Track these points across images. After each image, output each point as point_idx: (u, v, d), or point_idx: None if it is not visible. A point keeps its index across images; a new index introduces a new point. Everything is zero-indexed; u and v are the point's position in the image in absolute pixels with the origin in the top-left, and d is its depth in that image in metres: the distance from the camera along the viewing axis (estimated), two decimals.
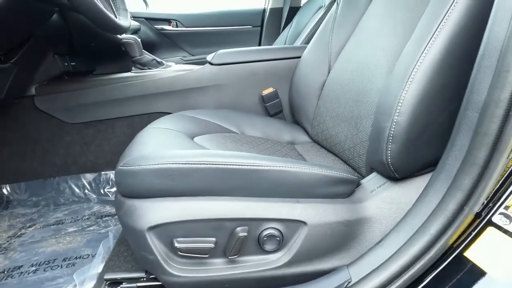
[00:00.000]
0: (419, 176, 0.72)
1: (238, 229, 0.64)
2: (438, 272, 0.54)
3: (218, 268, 0.67)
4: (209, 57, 1.31)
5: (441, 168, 0.58)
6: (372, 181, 0.75)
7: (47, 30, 1.16)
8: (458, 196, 0.52)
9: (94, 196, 1.41)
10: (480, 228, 0.52)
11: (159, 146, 0.76)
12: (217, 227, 0.64)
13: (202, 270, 0.67)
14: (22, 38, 1.06)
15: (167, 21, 2.58)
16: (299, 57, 1.21)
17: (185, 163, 0.62)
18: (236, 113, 1.15)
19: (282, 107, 1.31)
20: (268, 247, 0.66)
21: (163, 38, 2.56)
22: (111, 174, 1.41)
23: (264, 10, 2.67)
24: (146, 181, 0.64)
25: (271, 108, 1.30)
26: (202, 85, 1.30)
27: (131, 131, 1.34)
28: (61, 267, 1.02)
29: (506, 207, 0.51)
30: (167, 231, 0.64)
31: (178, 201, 0.64)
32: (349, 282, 0.61)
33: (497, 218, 0.51)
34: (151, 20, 2.53)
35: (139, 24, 2.37)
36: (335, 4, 1.14)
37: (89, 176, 1.41)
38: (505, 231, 0.50)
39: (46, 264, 1.04)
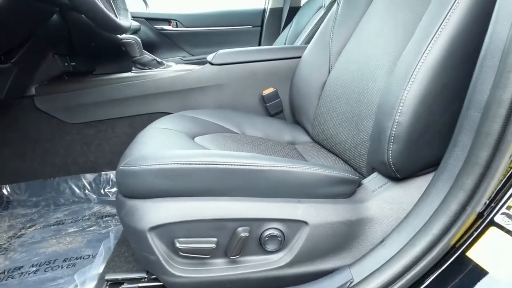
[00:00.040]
0: (421, 176, 0.72)
1: (240, 229, 0.64)
2: (440, 272, 0.54)
3: (219, 269, 0.67)
4: (209, 57, 1.31)
5: (443, 168, 0.58)
6: (373, 181, 0.75)
7: (47, 30, 1.16)
8: (460, 196, 0.52)
9: (94, 197, 1.41)
10: (483, 228, 0.52)
11: (160, 146, 0.76)
12: (219, 227, 0.64)
13: (204, 270, 0.67)
14: (22, 38, 1.06)
15: (167, 21, 2.58)
16: (300, 57, 1.20)
17: (186, 163, 0.62)
18: (237, 113, 1.15)
19: (283, 107, 1.31)
20: (269, 247, 0.66)
21: (163, 38, 2.56)
22: (111, 174, 1.41)
23: (264, 10, 2.67)
24: (147, 181, 0.63)
25: (272, 108, 1.30)
26: (202, 85, 1.30)
27: (131, 131, 1.34)
28: (62, 267, 1.02)
29: (509, 207, 0.51)
30: (169, 231, 0.64)
31: (180, 201, 0.64)
32: (351, 283, 0.61)
33: (499, 218, 0.51)
34: (151, 20, 2.53)
35: (139, 24, 2.37)
36: (336, 4, 1.14)
37: (89, 176, 1.41)
38: (508, 231, 0.50)
39: (46, 264, 1.04)
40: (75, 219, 1.28)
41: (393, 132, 0.64)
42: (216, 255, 0.67)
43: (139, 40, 1.41)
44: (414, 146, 0.65)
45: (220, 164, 0.62)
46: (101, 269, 0.95)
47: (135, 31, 2.28)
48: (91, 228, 1.22)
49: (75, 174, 1.40)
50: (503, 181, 0.50)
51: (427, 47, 0.61)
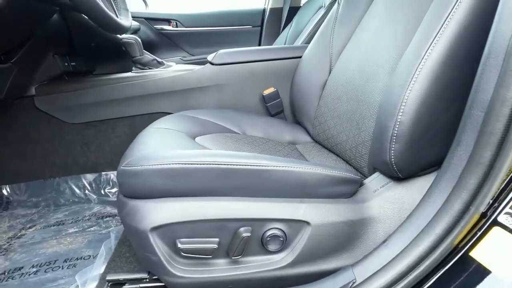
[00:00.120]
0: (422, 175, 0.72)
1: (242, 229, 0.64)
2: (443, 272, 0.54)
3: (221, 269, 0.67)
4: (209, 57, 1.31)
5: (446, 167, 0.58)
6: (375, 181, 0.75)
7: (47, 30, 1.15)
8: (464, 196, 0.51)
9: (95, 197, 1.40)
10: (486, 228, 0.51)
11: (161, 146, 0.76)
12: (220, 228, 0.64)
13: (205, 270, 0.67)
14: (22, 38, 1.05)
15: (167, 21, 2.57)
16: (300, 57, 1.20)
17: (188, 163, 0.62)
18: (237, 113, 1.15)
19: (283, 107, 1.31)
20: (271, 247, 0.66)
21: (163, 38, 2.55)
22: (112, 175, 1.40)
23: (264, 10, 2.67)
24: (149, 182, 0.63)
25: (272, 108, 1.29)
26: (203, 85, 1.29)
27: (131, 131, 1.34)
28: (62, 268, 1.01)
29: None
30: (170, 231, 0.64)
31: (181, 201, 0.64)
32: (353, 283, 0.61)
33: (503, 218, 0.51)
34: (150, 20, 2.53)
35: (139, 24, 2.37)
36: (336, 3, 1.14)
37: (90, 177, 1.40)
38: (511, 231, 0.50)
39: (47, 265, 1.03)
40: (75, 220, 1.28)
41: (395, 132, 0.64)
42: (218, 255, 0.67)
43: (139, 40, 1.41)
44: (416, 145, 0.65)
45: (221, 164, 0.62)
46: (102, 269, 0.94)
47: (135, 31, 2.28)
48: (92, 229, 1.21)
49: (75, 174, 1.39)
50: (506, 181, 0.50)
51: (429, 46, 0.61)
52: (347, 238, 0.68)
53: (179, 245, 0.63)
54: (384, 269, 0.58)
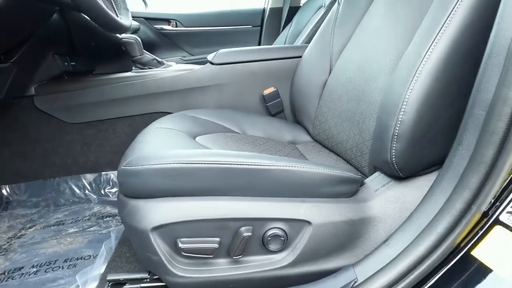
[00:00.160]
0: (423, 175, 0.72)
1: (242, 229, 0.64)
2: (445, 272, 0.54)
3: (222, 269, 0.67)
4: (210, 57, 1.31)
5: (447, 167, 0.58)
6: (376, 180, 0.75)
7: (47, 30, 1.15)
8: (466, 195, 0.51)
9: (95, 197, 1.40)
10: (488, 227, 0.51)
11: (162, 145, 0.76)
12: (221, 227, 0.64)
13: (206, 270, 0.66)
14: (22, 37, 1.05)
15: (167, 21, 2.57)
16: (300, 56, 1.20)
17: (189, 163, 0.62)
18: (237, 113, 1.15)
19: (283, 107, 1.31)
20: (272, 247, 0.66)
21: (163, 38, 2.55)
22: (112, 175, 1.40)
23: (263, 10, 2.67)
24: (150, 181, 0.63)
25: (272, 108, 1.29)
26: (203, 85, 1.29)
27: (132, 131, 1.34)
28: (62, 268, 1.01)
29: None
30: (171, 231, 0.64)
31: (182, 201, 0.64)
32: (355, 282, 0.61)
33: (504, 217, 0.51)
34: (150, 20, 2.53)
35: (138, 24, 2.36)
36: (336, 3, 1.14)
37: (90, 177, 1.40)
38: None
39: (47, 265, 1.03)
40: (75, 220, 1.28)
41: (396, 131, 0.64)
42: (219, 255, 0.66)
43: (139, 39, 1.41)
44: (417, 145, 0.64)
45: (223, 164, 0.62)
46: (102, 269, 0.94)
47: (135, 31, 2.28)
48: (92, 229, 1.21)
49: (75, 174, 1.39)
50: (508, 180, 0.50)
51: (430, 46, 0.61)
52: (348, 237, 0.68)
53: (180, 245, 0.63)
54: (385, 269, 0.58)
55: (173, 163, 0.62)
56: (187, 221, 0.63)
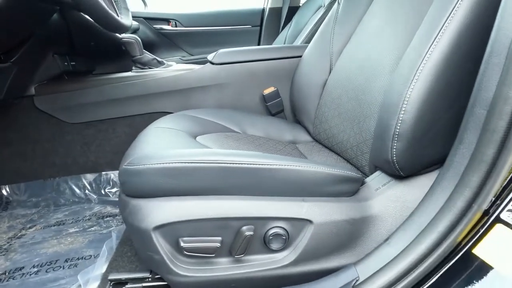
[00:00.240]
0: (424, 174, 0.72)
1: (244, 228, 0.64)
2: (446, 270, 0.54)
3: (224, 268, 0.67)
4: (210, 57, 1.31)
5: (448, 165, 0.58)
6: (376, 179, 0.75)
7: (47, 30, 1.15)
8: (466, 194, 0.52)
9: (95, 197, 1.40)
10: (489, 225, 0.52)
11: (163, 145, 0.76)
12: (223, 226, 0.64)
13: (208, 269, 0.67)
14: (22, 37, 1.05)
15: (166, 20, 2.57)
16: (300, 56, 1.20)
17: (190, 162, 0.62)
18: (238, 113, 1.15)
19: (283, 107, 1.31)
20: (274, 246, 0.66)
21: (162, 38, 2.55)
22: (112, 174, 1.40)
23: (263, 10, 2.67)
24: (151, 180, 0.63)
25: (272, 108, 1.30)
26: (203, 85, 1.29)
27: (132, 131, 1.34)
28: (63, 268, 1.01)
29: None
30: (173, 230, 0.64)
31: (184, 200, 0.64)
32: (356, 281, 0.61)
33: (505, 215, 0.51)
34: (150, 19, 2.52)
35: (138, 23, 2.36)
36: (336, 3, 1.14)
37: (90, 177, 1.40)
38: None
39: (48, 265, 1.03)
40: (75, 220, 1.28)
41: (397, 130, 0.64)
42: (221, 254, 0.67)
43: (139, 39, 1.41)
44: (418, 144, 0.65)
45: (224, 163, 0.62)
46: (104, 269, 0.94)
47: (134, 31, 2.28)
48: (92, 229, 1.21)
49: (75, 174, 1.39)
50: (508, 178, 0.50)
51: (431, 45, 0.61)
52: (349, 236, 0.68)
53: (182, 244, 0.63)
54: (387, 267, 0.58)
55: (175, 163, 0.62)
56: (189, 220, 0.63)
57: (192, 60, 2.49)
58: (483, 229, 0.52)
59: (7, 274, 1.01)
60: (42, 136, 1.33)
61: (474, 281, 0.50)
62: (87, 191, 1.40)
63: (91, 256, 1.06)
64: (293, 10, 2.44)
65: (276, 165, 0.63)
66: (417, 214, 0.61)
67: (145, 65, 1.42)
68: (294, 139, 1.11)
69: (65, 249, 1.10)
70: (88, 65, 1.43)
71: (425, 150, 0.66)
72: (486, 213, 0.52)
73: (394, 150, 0.65)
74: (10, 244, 1.15)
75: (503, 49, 0.48)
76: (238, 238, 0.64)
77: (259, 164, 0.63)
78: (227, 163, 0.62)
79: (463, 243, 0.54)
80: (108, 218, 1.27)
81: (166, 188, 0.63)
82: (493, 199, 0.51)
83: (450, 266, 0.54)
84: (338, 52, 1.06)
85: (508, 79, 0.46)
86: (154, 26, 2.53)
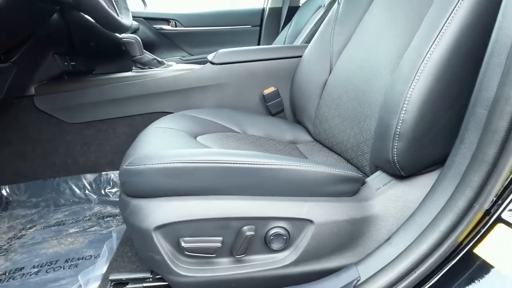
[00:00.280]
0: (425, 174, 0.72)
1: (245, 228, 0.64)
2: (447, 270, 0.54)
3: (225, 268, 0.67)
4: (210, 57, 1.31)
5: (449, 165, 0.58)
6: (377, 179, 0.75)
7: (47, 30, 1.15)
8: (468, 193, 0.52)
9: (95, 197, 1.40)
10: (490, 225, 0.52)
11: (163, 145, 0.76)
12: (224, 226, 0.64)
13: (209, 269, 0.67)
14: (22, 37, 1.05)
15: (166, 20, 2.57)
16: (300, 56, 1.21)
17: (191, 162, 0.62)
18: (238, 113, 1.15)
19: (284, 107, 1.31)
20: (275, 246, 0.66)
21: (162, 38, 2.55)
22: (112, 175, 1.40)
23: (263, 10, 2.67)
24: (152, 180, 0.63)
25: (273, 108, 1.30)
26: (203, 85, 1.29)
27: (132, 131, 1.34)
28: (64, 268, 1.01)
29: None
30: (174, 230, 0.64)
31: (185, 200, 0.64)
32: (358, 280, 0.61)
33: (506, 215, 0.51)
34: (149, 19, 2.52)
35: (138, 23, 2.36)
36: (336, 3, 1.14)
37: (90, 177, 1.40)
38: None
39: (48, 265, 1.03)
40: (75, 220, 1.28)
41: (398, 130, 0.64)
42: (222, 254, 0.67)
43: (139, 39, 1.41)
44: (419, 144, 0.65)
45: (225, 163, 0.62)
46: (104, 269, 0.94)
47: (134, 31, 2.27)
48: (92, 229, 1.21)
49: (75, 174, 1.39)
50: (510, 178, 0.50)
51: (432, 45, 0.61)
52: (350, 236, 0.68)
53: (183, 244, 0.63)
54: (388, 267, 0.58)
55: (176, 163, 0.62)
56: (189, 220, 0.63)
57: (192, 60, 2.49)
58: (485, 229, 0.52)
59: (7, 274, 1.01)
60: (42, 136, 1.33)
61: (476, 281, 0.50)
62: (87, 191, 1.40)
63: (91, 256, 1.06)
64: (293, 10, 2.44)
65: (277, 165, 0.63)
66: (418, 214, 0.61)
67: (145, 65, 1.42)
68: (295, 139, 1.11)
69: (65, 249, 1.10)
70: (88, 65, 1.42)
71: (426, 150, 0.66)
72: (487, 213, 0.52)
73: (395, 150, 0.65)
74: (10, 245, 1.15)
75: (504, 49, 0.48)
76: (239, 238, 0.64)
77: (260, 164, 0.63)
78: (228, 163, 0.62)
79: (464, 243, 0.54)
80: (108, 218, 1.27)
81: (167, 188, 0.63)
82: (495, 199, 0.51)
83: (451, 266, 0.54)
84: (338, 52, 1.06)
85: (509, 79, 0.46)
86: (154, 26, 2.53)
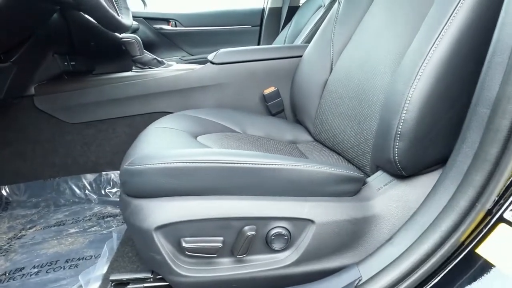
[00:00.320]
0: (426, 173, 0.72)
1: (246, 228, 0.64)
2: (449, 269, 0.54)
3: (226, 268, 0.67)
4: (210, 56, 1.31)
5: (451, 165, 0.58)
6: (378, 179, 0.75)
7: (47, 29, 1.15)
8: (470, 193, 0.52)
9: (95, 197, 1.40)
10: (492, 225, 0.51)
11: (164, 145, 0.76)
12: (225, 226, 0.64)
13: (210, 270, 0.66)
14: (22, 37, 1.05)
15: (166, 20, 2.57)
16: (301, 56, 1.20)
17: (192, 162, 0.62)
18: (238, 113, 1.15)
19: (284, 106, 1.31)
20: (276, 246, 0.66)
21: (162, 37, 2.55)
22: (112, 175, 1.40)
23: (263, 10, 2.67)
24: (153, 180, 0.63)
25: (273, 107, 1.29)
26: (203, 84, 1.29)
27: (132, 131, 1.34)
28: (64, 268, 1.01)
29: None
30: (175, 230, 0.64)
31: (185, 200, 0.64)
32: (359, 281, 0.61)
33: (508, 215, 0.51)
34: (149, 19, 2.52)
35: (137, 23, 2.36)
36: (337, 3, 1.14)
37: (90, 177, 1.40)
38: None
39: (48, 265, 1.03)
40: (76, 220, 1.27)
41: (399, 130, 0.64)
42: (223, 254, 0.66)
43: (139, 39, 1.41)
44: (420, 143, 0.65)
45: (226, 163, 0.62)
46: (105, 269, 0.94)
47: (134, 31, 2.27)
48: (93, 229, 1.21)
49: (75, 174, 1.39)
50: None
51: (433, 44, 0.61)
52: (351, 236, 0.68)
53: (184, 244, 0.63)
54: (390, 267, 0.58)
55: (177, 162, 0.62)
56: (190, 220, 0.63)
57: (192, 60, 2.48)
58: (487, 228, 0.52)
59: (7, 274, 1.00)
60: (42, 136, 1.32)
61: (478, 281, 0.50)
62: (87, 191, 1.40)
63: (91, 256, 1.06)
64: (293, 10, 2.44)
65: (278, 165, 0.63)
66: (419, 214, 0.61)
67: (145, 65, 1.42)
68: (295, 139, 1.11)
69: (66, 250, 1.10)
70: (88, 65, 1.42)
71: (427, 149, 0.66)
72: (489, 212, 0.52)
73: (396, 149, 0.65)
74: (10, 245, 1.14)
75: (507, 48, 0.48)
76: (240, 238, 0.64)
77: (261, 164, 0.63)
78: (229, 163, 0.62)
79: (466, 242, 0.54)
80: (108, 219, 1.27)
81: (168, 188, 0.63)
82: (497, 198, 0.51)
83: (453, 266, 0.53)
84: (338, 52, 1.06)
85: (511, 78, 0.46)
86: (154, 26, 2.53)
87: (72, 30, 1.27)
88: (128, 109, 1.31)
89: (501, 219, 0.51)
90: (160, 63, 1.44)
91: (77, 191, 1.40)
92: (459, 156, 0.55)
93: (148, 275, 0.77)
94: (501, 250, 0.50)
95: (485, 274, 0.50)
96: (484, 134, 0.50)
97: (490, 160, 0.49)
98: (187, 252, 0.64)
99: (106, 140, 1.35)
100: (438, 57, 0.61)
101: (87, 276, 0.92)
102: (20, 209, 1.37)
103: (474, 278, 0.50)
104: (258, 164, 0.63)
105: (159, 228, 0.63)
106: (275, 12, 2.60)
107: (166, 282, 0.73)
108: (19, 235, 1.20)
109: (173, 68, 1.38)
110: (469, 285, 0.51)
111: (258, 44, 2.64)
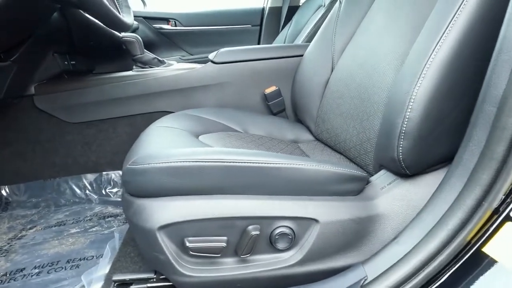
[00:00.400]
0: (430, 172, 0.71)
1: (250, 227, 0.64)
2: (456, 268, 0.54)
3: (229, 268, 0.66)
4: (211, 56, 1.30)
5: (457, 163, 0.57)
6: (381, 178, 0.74)
7: (47, 28, 1.14)
8: (477, 191, 0.51)
9: (96, 197, 1.39)
10: (498, 224, 0.51)
11: (166, 144, 0.75)
12: (229, 226, 0.64)
13: (214, 269, 0.66)
14: (22, 36, 1.04)
15: (166, 20, 2.56)
16: (302, 55, 1.20)
17: (196, 161, 0.62)
18: (239, 112, 1.15)
19: (285, 106, 1.31)
20: (280, 245, 0.65)
21: (162, 37, 2.54)
22: (113, 174, 1.39)
23: (263, 9, 2.67)
24: (156, 180, 0.63)
25: (274, 107, 1.29)
26: (204, 84, 1.29)
27: (133, 131, 1.33)
28: (65, 268, 1.00)
29: None
30: (178, 230, 0.63)
31: (189, 199, 0.63)
32: (365, 280, 0.60)
33: None
34: (149, 19, 2.51)
35: (137, 23, 2.35)
36: (338, 2, 1.14)
37: (90, 177, 1.39)
38: None
39: (49, 266, 1.02)
40: (76, 220, 1.27)
41: (404, 129, 0.63)
42: (226, 254, 0.66)
43: (139, 38, 1.40)
44: (424, 142, 0.64)
45: (229, 162, 0.62)
46: (107, 269, 0.93)
47: (134, 30, 2.26)
48: (94, 229, 1.20)
49: (75, 174, 1.38)
50: None
51: (437, 43, 0.61)
52: (355, 235, 0.68)
53: (187, 244, 0.63)
54: (396, 266, 0.58)
55: (180, 162, 0.62)
56: (194, 220, 0.62)
57: (191, 59, 2.48)
58: (493, 227, 0.52)
59: (8, 275, 1.00)
60: (42, 136, 1.32)
61: (484, 279, 0.50)
62: (87, 191, 1.39)
63: (93, 256, 1.05)
64: (293, 9, 2.44)
65: (282, 164, 0.63)
66: (425, 212, 0.61)
67: (145, 64, 1.42)
68: (296, 138, 1.11)
69: (67, 250, 1.09)
70: (88, 64, 1.41)
71: (432, 148, 0.66)
72: (496, 211, 0.52)
73: (400, 148, 0.65)
74: (11, 245, 1.14)
75: None
76: (244, 238, 0.64)
77: (265, 163, 0.63)
78: (233, 162, 0.62)
79: (473, 241, 0.53)
80: (109, 219, 1.26)
81: (171, 187, 0.63)
82: (503, 197, 0.51)
83: (460, 265, 0.53)
84: (340, 51, 1.06)
85: None
86: (154, 25, 2.53)
87: (72, 29, 1.26)
88: (128, 108, 1.30)
89: (508, 218, 0.51)
90: (161, 63, 1.43)
91: (78, 191, 1.39)
92: (466, 154, 0.55)
93: (151, 275, 0.77)
94: (508, 249, 0.50)
95: (491, 273, 0.49)
96: (491, 132, 0.50)
97: (497, 159, 0.49)
98: (191, 252, 0.63)
99: (107, 140, 1.34)
100: (443, 55, 0.60)
101: (90, 277, 0.91)
102: (20, 209, 1.36)
103: (480, 277, 0.50)
104: (262, 163, 0.62)
105: (163, 227, 0.63)
106: (275, 11, 2.60)
107: (169, 282, 0.72)
108: (19, 235, 1.19)
109: (174, 68, 1.37)
110: (475, 284, 0.50)
111: (258, 44, 2.64)
